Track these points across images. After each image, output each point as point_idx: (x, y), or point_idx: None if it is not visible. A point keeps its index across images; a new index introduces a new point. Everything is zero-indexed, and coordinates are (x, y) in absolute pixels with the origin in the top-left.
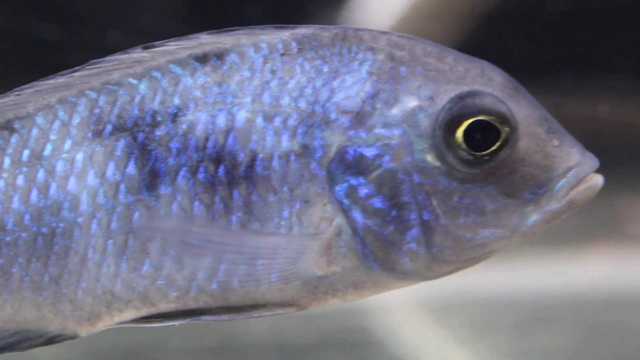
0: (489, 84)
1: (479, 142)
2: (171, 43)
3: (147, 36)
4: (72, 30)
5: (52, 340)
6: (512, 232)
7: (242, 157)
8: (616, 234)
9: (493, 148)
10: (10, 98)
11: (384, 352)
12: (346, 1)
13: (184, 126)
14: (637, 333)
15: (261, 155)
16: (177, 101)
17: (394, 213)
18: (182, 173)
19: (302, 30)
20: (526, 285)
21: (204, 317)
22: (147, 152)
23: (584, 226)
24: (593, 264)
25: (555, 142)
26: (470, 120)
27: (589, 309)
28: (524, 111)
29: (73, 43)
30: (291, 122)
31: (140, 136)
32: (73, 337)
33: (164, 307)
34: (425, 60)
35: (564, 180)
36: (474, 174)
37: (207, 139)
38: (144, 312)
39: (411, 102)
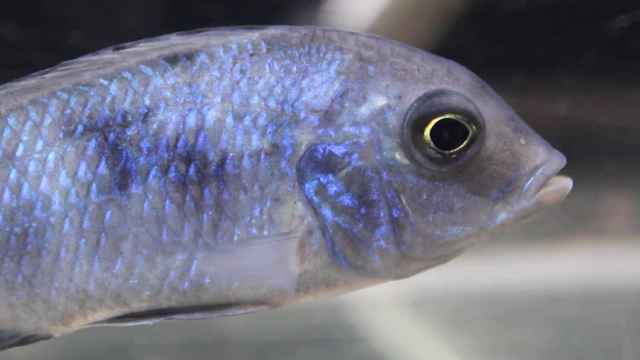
0: (457, 83)
1: (446, 141)
2: (141, 44)
3: (111, 37)
4: (32, 30)
5: (25, 340)
6: (481, 229)
7: (213, 156)
8: (582, 229)
9: (461, 146)
10: None
11: (362, 347)
12: (324, 2)
13: (155, 126)
14: (611, 329)
15: (231, 154)
16: (147, 101)
17: (363, 210)
18: (153, 172)
19: (271, 31)
20: (504, 281)
21: (176, 316)
22: (118, 151)
23: (552, 222)
24: (567, 260)
25: (522, 141)
26: (437, 119)
27: (564, 305)
28: (491, 110)
29: (34, 43)
30: (261, 121)
31: (111, 136)
32: (47, 337)
33: (136, 306)
34: (394, 60)
35: (532, 178)
36: (442, 171)
37: (177, 139)
38: (117, 311)
39: (379, 101)
